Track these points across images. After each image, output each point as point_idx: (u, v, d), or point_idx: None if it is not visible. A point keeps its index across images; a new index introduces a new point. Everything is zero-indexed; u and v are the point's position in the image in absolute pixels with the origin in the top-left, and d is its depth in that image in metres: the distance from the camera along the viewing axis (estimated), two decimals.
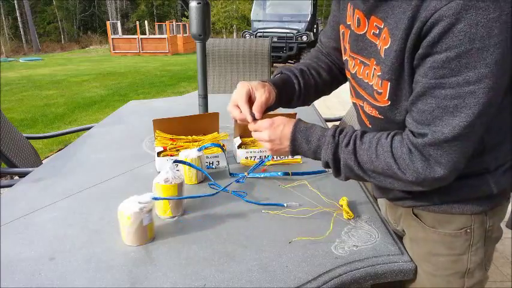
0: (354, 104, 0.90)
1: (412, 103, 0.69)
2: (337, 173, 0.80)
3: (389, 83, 0.72)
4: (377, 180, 0.76)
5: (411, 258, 0.84)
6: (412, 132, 0.70)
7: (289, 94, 0.97)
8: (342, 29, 0.88)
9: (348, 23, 0.83)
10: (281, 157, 1.33)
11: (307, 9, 9.92)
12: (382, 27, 0.71)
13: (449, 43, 0.60)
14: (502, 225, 0.86)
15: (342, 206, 1.00)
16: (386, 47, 0.70)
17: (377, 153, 0.73)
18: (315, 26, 10.25)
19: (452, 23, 0.58)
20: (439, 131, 0.65)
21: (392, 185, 0.75)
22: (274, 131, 0.83)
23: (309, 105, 1.06)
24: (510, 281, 1.87)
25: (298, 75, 0.99)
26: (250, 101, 0.89)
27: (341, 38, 0.90)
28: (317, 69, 1.02)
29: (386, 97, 0.74)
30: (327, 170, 1.28)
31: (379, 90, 0.75)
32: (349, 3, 0.82)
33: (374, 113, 0.79)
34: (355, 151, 0.75)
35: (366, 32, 0.76)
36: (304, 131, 0.82)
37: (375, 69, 0.75)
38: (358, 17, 0.77)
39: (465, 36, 0.58)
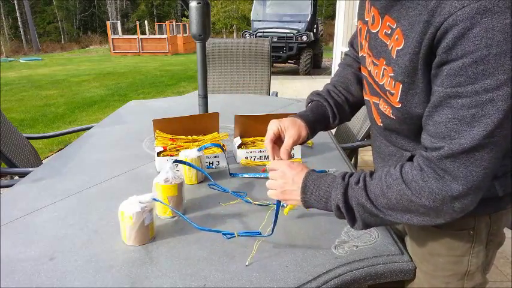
0: (367, 101, 0.89)
1: (428, 116, 0.66)
2: (352, 218, 0.75)
3: (401, 85, 0.70)
4: (394, 218, 0.71)
5: (411, 258, 0.84)
6: (426, 148, 0.67)
7: (323, 120, 0.98)
8: (359, 25, 0.87)
9: (366, 20, 0.82)
10: None
11: (307, 9, 9.92)
12: (394, 27, 0.70)
13: (465, 49, 0.57)
14: (505, 230, 0.85)
15: None
16: (399, 48, 0.69)
17: (387, 183, 0.70)
18: (315, 26, 10.24)
19: (467, 27, 0.56)
20: (457, 142, 0.61)
21: (411, 221, 0.70)
22: (291, 169, 0.82)
23: (349, 120, 1.06)
24: (510, 281, 1.87)
25: (327, 97, 1.00)
26: (280, 139, 0.92)
27: (358, 34, 0.89)
28: (345, 83, 1.01)
29: (398, 99, 0.72)
30: (327, 170, 1.29)
31: (392, 91, 0.73)
32: (367, 0, 0.81)
33: (388, 111, 0.78)
34: (365, 187, 0.72)
35: (378, 31, 0.75)
36: (315, 179, 0.80)
37: (385, 69, 0.74)
38: (373, 15, 0.77)
39: (481, 42, 0.55)
